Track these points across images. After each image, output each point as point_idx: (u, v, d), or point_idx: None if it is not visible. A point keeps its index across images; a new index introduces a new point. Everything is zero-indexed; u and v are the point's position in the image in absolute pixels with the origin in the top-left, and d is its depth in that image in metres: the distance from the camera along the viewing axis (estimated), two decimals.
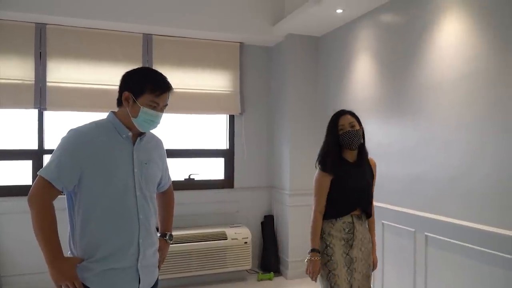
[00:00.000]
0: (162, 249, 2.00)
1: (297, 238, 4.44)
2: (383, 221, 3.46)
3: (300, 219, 4.40)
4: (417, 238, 3.15)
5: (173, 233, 2.11)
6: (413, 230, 3.19)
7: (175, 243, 3.91)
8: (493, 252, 2.53)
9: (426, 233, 3.06)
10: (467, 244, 2.72)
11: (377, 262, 2.62)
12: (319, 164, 2.50)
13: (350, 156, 2.50)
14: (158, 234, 2.02)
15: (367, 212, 2.54)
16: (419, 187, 3.17)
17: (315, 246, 2.40)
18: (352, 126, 2.44)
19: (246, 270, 4.44)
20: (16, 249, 3.88)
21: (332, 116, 2.52)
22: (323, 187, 2.46)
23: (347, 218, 2.45)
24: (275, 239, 4.70)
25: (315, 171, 2.53)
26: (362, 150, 2.52)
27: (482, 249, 2.60)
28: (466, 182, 2.77)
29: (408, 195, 3.28)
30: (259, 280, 4.39)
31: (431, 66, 3.06)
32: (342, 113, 2.50)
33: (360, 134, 2.46)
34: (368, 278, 2.49)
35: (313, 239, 2.42)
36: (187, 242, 4.07)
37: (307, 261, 2.40)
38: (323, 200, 2.45)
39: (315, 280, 2.39)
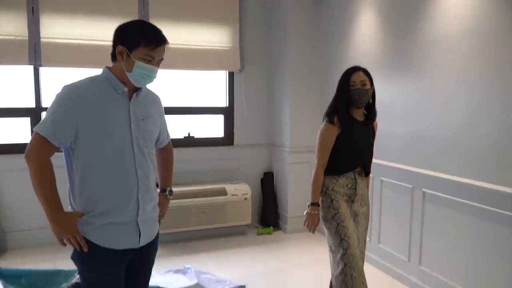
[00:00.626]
0: (162, 204, 2.02)
1: (296, 194, 4.50)
2: (382, 178, 3.48)
3: (300, 176, 4.44)
4: (414, 194, 3.18)
5: (174, 189, 2.11)
6: (411, 186, 3.21)
7: (175, 199, 3.96)
8: (492, 209, 2.56)
9: (424, 190, 3.09)
10: (466, 201, 2.75)
11: (368, 219, 2.67)
12: (326, 116, 2.46)
13: (358, 114, 2.47)
14: (158, 190, 2.03)
15: (367, 170, 2.56)
16: (419, 145, 3.17)
17: (315, 200, 2.42)
18: (363, 85, 2.38)
19: (246, 225, 4.53)
20: (18, 206, 3.93)
21: (345, 72, 2.45)
22: (327, 141, 2.42)
23: (350, 175, 2.45)
24: (274, 196, 4.76)
25: (320, 126, 2.49)
26: (371, 110, 2.50)
27: (482, 206, 2.63)
28: (466, 139, 2.76)
29: (408, 153, 3.28)
30: (259, 234, 4.49)
31: (434, 23, 2.97)
32: (355, 69, 2.43)
33: (369, 94, 2.41)
34: (366, 230, 2.55)
35: (313, 192, 2.43)
36: (188, 198, 4.12)
37: (306, 214, 2.43)
38: (327, 154, 2.43)
39: (313, 232, 2.44)
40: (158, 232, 1.95)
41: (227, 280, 3.33)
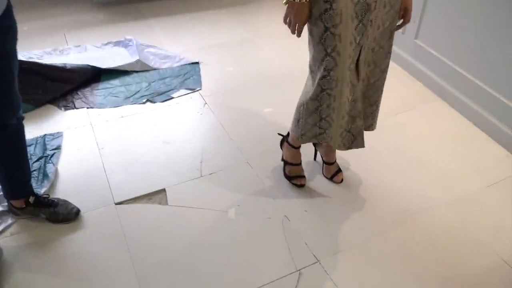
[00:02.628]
0: None
1: None
2: None
3: None
4: None
5: None
6: None
7: None
8: None
9: None
10: None
11: (410, 9, 1.48)
12: None
13: None
14: None
15: None
16: None
17: None
18: None
19: None
20: None
21: None
22: None
23: None
24: None
25: None
26: None
27: None
28: None
29: None
30: None
31: None
32: None
33: None
34: (390, 35, 1.48)
35: None
36: None
37: (286, 3, 1.38)
38: None
39: (298, 35, 1.41)
40: (8, 3, 1.23)
41: (177, 56, 2.72)
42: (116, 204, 1.77)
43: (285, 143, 1.85)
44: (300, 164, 1.87)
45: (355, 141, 1.62)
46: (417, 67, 2.52)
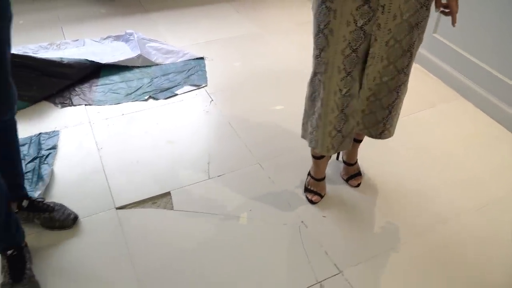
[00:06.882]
0: None
1: None
2: None
3: None
4: None
5: None
6: None
7: None
8: None
9: None
10: None
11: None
12: None
13: None
14: None
15: None
16: None
17: None
18: None
19: None
20: None
21: None
22: None
23: None
24: None
25: None
26: None
27: None
28: None
29: None
30: None
31: None
32: None
33: None
34: (410, 29, 1.23)
35: None
36: None
37: None
38: None
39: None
40: None
41: (180, 51, 2.57)
42: (117, 208, 1.62)
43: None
44: (321, 180, 1.66)
45: (343, 142, 1.45)
46: (436, 63, 2.38)
